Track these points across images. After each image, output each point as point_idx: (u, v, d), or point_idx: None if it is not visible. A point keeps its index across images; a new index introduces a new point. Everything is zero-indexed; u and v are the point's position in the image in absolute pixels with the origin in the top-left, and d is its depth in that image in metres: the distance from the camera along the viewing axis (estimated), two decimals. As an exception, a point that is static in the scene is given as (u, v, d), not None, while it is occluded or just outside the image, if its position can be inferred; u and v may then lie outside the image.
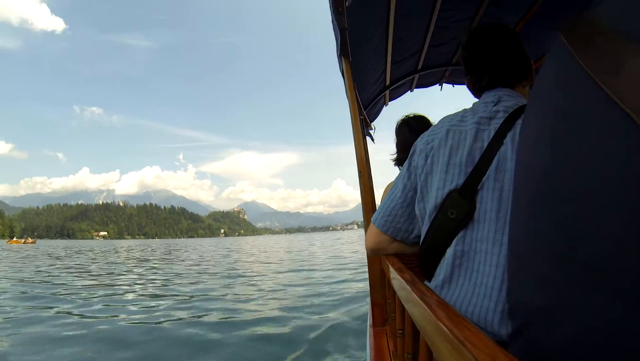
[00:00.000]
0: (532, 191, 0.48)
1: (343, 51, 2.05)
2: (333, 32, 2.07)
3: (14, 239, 79.93)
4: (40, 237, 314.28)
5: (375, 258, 1.61)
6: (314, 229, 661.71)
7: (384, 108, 3.63)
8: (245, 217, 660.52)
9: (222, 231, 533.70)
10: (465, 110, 0.98)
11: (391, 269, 1.00)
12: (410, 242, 1.09)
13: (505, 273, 0.76)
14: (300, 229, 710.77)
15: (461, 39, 0.98)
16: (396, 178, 1.10)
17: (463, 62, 1.05)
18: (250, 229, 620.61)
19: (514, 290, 0.55)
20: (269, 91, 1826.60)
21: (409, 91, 3.49)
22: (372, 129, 3.67)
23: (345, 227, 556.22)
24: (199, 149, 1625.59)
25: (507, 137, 0.84)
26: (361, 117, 2.84)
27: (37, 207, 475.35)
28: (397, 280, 0.89)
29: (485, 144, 0.87)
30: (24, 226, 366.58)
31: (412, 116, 1.96)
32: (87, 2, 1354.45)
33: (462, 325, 0.43)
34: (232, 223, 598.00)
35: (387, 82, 3.15)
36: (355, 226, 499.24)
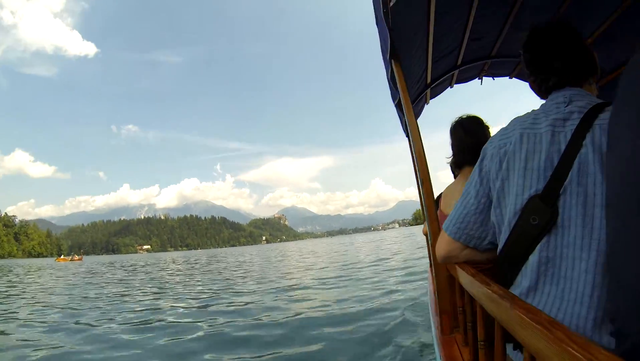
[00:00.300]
0: (634, 212, 0.46)
1: (393, 54, 2.00)
2: (378, 36, 2.06)
3: (62, 257, 77.53)
4: (87, 253, 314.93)
5: (442, 264, 1.56)
6: (356, 230, 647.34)
7: (425, 107, 3.62)
8: (287, 222, 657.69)
9: (264, 238, 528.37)
10: (534, 111, 0.95)
11: (472, 279, 0.98)
12: (483, 249, 1.07)
13: (596, 278, 0.75)
14: (341, 231, 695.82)
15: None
16: (466, 184, 1.07)
17: (525, 64, 1.03)
18: (292, 235, 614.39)
19: (619, 316, 0.53)
20: (299, 97, 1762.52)
21: (449, 87, 3.49)
22: None
23: (386, 226, 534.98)
24: (235, 159, 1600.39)
25: (586, 139, 0.81)
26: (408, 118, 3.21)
27: (82, 225, 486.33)
28: (482, 292, 0.87)
29: (563, 147, 0.84)
30: (70, 244, 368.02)
31: (465, 117, 1.94)
32: (116, 25, 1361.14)
33: (593, 348, 0.41)
34: (273, 229, 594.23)
35: (428, 81, 3.13)
36: (397, 225, 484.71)
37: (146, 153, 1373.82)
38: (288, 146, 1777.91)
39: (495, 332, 0.86)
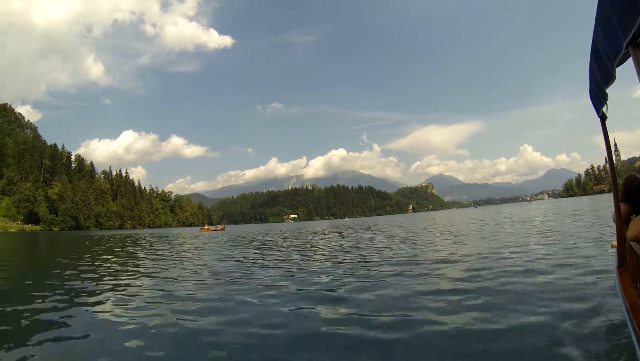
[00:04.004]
0: None
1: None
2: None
3: (206, 227, 74.97)
4: (236, 222, 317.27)
5: None
6: (503, 200, 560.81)
7: None
8: (434, 191, 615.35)
9: (410, 206, 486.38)
10: None
11: None
12: None
13: None
14: (488, 201, 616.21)
15: None
16: None
17: None
18: (439, 203, 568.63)
19: None
20: (439, 63, 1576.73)
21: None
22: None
23: (534, 197, 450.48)
24: (381, 129, 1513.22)
25: None
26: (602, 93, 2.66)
27: (232, 197, 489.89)
28: None
29: None
30: (221, 214, 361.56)
31: None
32: (247, 17, 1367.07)
33: None
34: (420, 198, 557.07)
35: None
36: (546, 196, 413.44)
37: (292, 128, 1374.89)
38: (433, 113, 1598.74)
39: None
